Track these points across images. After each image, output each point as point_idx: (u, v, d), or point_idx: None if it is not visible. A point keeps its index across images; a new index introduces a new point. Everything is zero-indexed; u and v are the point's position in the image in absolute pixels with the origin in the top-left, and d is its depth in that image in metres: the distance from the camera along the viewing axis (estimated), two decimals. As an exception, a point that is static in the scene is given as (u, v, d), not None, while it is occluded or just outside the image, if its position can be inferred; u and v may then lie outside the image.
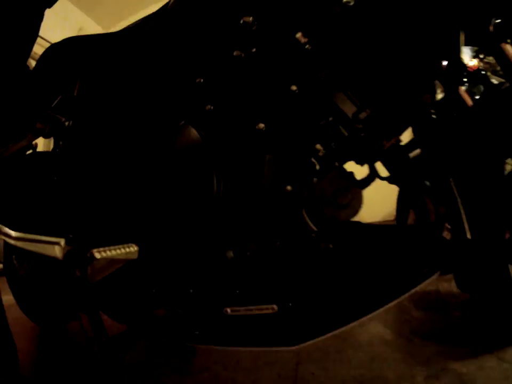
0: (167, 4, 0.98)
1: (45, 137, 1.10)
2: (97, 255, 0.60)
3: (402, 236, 0.76)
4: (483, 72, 2.63)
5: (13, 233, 0.71)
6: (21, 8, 0.80)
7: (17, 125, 1.12)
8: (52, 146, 1.56)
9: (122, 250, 0.63)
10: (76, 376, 1.06)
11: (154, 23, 0.92)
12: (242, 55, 0.70)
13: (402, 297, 0.66)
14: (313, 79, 0.71)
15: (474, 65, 2.54)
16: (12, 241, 0.71)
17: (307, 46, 0.69)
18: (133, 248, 0.65)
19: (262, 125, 0.69)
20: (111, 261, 0.62)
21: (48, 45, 1.06)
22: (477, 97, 2.53)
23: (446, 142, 0.93)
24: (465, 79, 2.25)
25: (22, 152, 1.23)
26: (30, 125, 1.14)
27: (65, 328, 1.40)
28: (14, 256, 1.24)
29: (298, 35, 0.70)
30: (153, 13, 0.98)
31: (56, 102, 1.11)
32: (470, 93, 2.55)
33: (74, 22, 2.87)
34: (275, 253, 0.72)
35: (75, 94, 1.00)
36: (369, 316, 0.67)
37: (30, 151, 1.24)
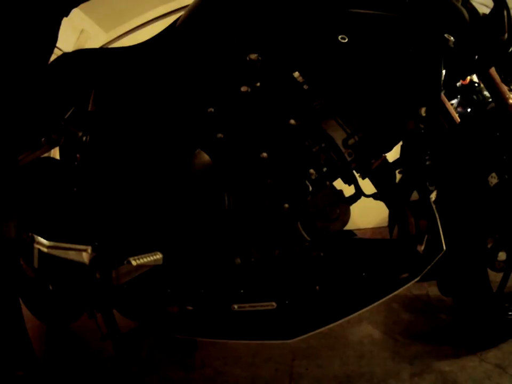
0: (175, 22, 1.00)
1: (61, 148, 1.15)
2: (133, 262, 0.68)
3: (384, 247, 0.84)
4: (476, 85, 2.68)
5: (46, 242, 0.79)
6: (39, 19, 0.81)
7: (31, 134, 1.17)
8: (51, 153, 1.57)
9: (152, 257, 0.71)
10: (83, 372, 1.11)
11: (166, 47, 0.98)
12: (249, 90, 0.78)
13: (381, 300, 0.74)
14: (309, 110, 0.79)
15: (467, 78, 2.60)
16: (45, 250, 0.78)
17: (304, 86, 0.78)
18: (159, 256, 0.73)
19: (265, 154, 0.78)
20: (140, 267, 0.70)
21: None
22: (469, 109, 2.58)
23: (432, 156, 1.00)
24: (457, 92, 2.30)
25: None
26: (44, 135, 1.18)
27: (69, 327, 1.43)
28: (21, 258, 1.29)
29: (296, 74, 0.78)
30: (163, 31, 1.00)
31: (69, 113, 1.16)
32: (462, 105, 2.62)
33: (76, 24, 2.82)
34: (275, 259, 0.81)
35: (90, 109, 1.05)
36: (354, 315, 0.75)
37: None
